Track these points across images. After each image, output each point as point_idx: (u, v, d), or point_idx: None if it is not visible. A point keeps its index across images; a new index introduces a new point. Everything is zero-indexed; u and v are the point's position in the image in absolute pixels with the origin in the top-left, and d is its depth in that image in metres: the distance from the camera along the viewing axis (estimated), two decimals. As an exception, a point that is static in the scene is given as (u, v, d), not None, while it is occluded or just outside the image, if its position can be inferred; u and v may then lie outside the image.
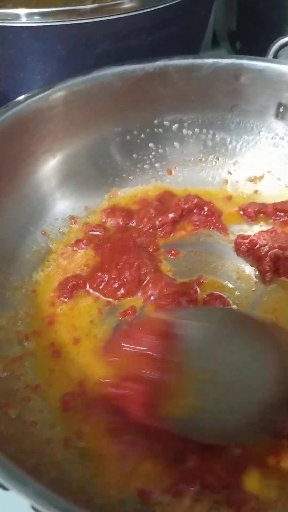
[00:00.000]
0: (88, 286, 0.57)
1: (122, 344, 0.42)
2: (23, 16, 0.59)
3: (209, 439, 0.41)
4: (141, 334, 0.41)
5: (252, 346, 0.42)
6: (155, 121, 0.68)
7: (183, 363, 0.40)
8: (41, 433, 0.45)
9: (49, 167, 0.63)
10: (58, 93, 0.60)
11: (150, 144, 0.69)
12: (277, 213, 0.65)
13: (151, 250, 0.62)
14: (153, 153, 0.69)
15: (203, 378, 0.40)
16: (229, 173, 0.70)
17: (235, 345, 0.42)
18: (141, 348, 0.41)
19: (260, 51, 0.70)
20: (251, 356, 0.41)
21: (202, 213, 0.65)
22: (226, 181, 0.70)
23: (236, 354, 0.42)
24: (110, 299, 0.57)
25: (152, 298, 0.56)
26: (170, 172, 0.70)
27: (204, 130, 0.69)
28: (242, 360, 0.41)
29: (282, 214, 0.65)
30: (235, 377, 0.40)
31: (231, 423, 0.40)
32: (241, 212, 0.66)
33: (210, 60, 0.64)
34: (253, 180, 0.69)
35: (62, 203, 0.65)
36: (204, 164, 0.70)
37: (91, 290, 0.57)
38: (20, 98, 0.59)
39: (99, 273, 0.57)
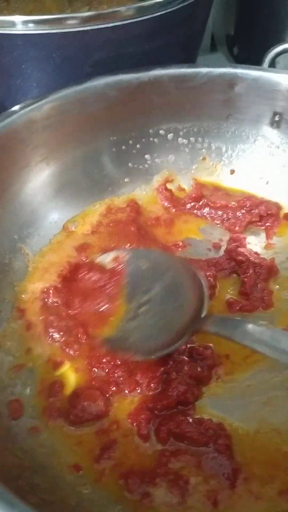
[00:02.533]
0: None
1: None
2: (19, 24, 0.59)
3: (139, 354, 0.50)
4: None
5: (177, 279, 0.53)
6: (150, 131, 0.68)
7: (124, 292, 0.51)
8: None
9: (44, 176, 0.63)
10: (52, 103, 0.60)
11: (146, 154, 0.69)
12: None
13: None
14: (148, 162, 0.69)
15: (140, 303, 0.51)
16: (225, 182, 0.70)
17: (166, 278, 0.53)
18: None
19: (257, 57, 0.70)
20: (177, 286, 0.53)
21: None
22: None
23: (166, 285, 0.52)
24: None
25: None
26: (167, 181, 0.70)
27: (200, 139, 0.69)
28: (170, 289, 0.52)
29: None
30: (165, 303, 0.51)
31: (158, 340, 0.50)
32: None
33: (205, 70, 0.63)
34: (250, 189, 0.69)
35: (57, 213, 0.65)
36: (200, 173, 0.70)
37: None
38: (14, 108, 0.59)
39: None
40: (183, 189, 0.70)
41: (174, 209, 0.68)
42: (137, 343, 0.50)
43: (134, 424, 0.48)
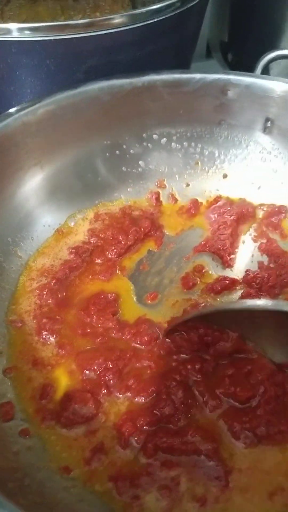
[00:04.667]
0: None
1: None
2: (14, 31, 0.60)
3: None
4: None
5: None
6: (144, 135, 0.68)
7: None
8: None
9: (37, 180, 0.63)
10: (47, 107, 0.60)
11: (139, 159, 0.69)
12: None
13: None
14: (142, 166, 0.70)
15: None
16: (218, 187, 0.70)
17: None
18: None
19: (251, 63, 0.71)
20: None
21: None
22: (215, 195, 0.70)
23: None
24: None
25: None
26: (160, 186, 0.70)
27: (193, 144, 0.70)
28: None
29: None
30: None
31: None
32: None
33: (198, 75, 0.64)
34: (241, 193, 0.70)
35: (49, 216, 0.65)
36: (193, 178, 0.71)
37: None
38: (9, 111, 0.59)
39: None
40: (176, 199, 0.71)
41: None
42: None
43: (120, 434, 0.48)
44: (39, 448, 0.47)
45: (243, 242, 0.66)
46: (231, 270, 0.63)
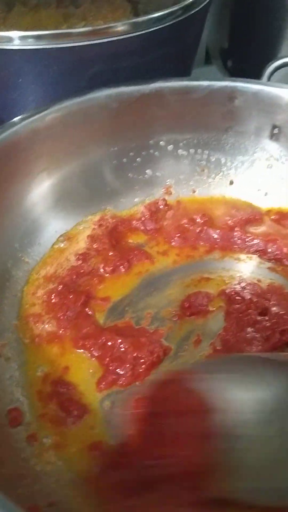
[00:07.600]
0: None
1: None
2: (16, 39, 0.60)
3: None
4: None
5: None
6: (151, 141, 0.68)
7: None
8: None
9: (45, 186, 0.63)
10: (55, 113, 0.61)
11: (146, 166, 0.69)
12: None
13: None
14: (148, 173, 0.70)
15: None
16: (224, 193, 0.70)
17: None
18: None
19: (251, 70, 0.71)
20: None
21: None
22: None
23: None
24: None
25: None
26: (166, 192, 0.70)
27: (199, 151, 0.70)
28: None
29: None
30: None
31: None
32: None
33: (205, 83, 0.64)
34: (248, 200, 0.70)
35: (56, 222, 0.65)
36: (199, 184, 0.71)
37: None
38: (17, 118, 0.59)
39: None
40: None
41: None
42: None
43: None
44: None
45: (250, 249, 0.66)
46: (239, 276, 0.63)
